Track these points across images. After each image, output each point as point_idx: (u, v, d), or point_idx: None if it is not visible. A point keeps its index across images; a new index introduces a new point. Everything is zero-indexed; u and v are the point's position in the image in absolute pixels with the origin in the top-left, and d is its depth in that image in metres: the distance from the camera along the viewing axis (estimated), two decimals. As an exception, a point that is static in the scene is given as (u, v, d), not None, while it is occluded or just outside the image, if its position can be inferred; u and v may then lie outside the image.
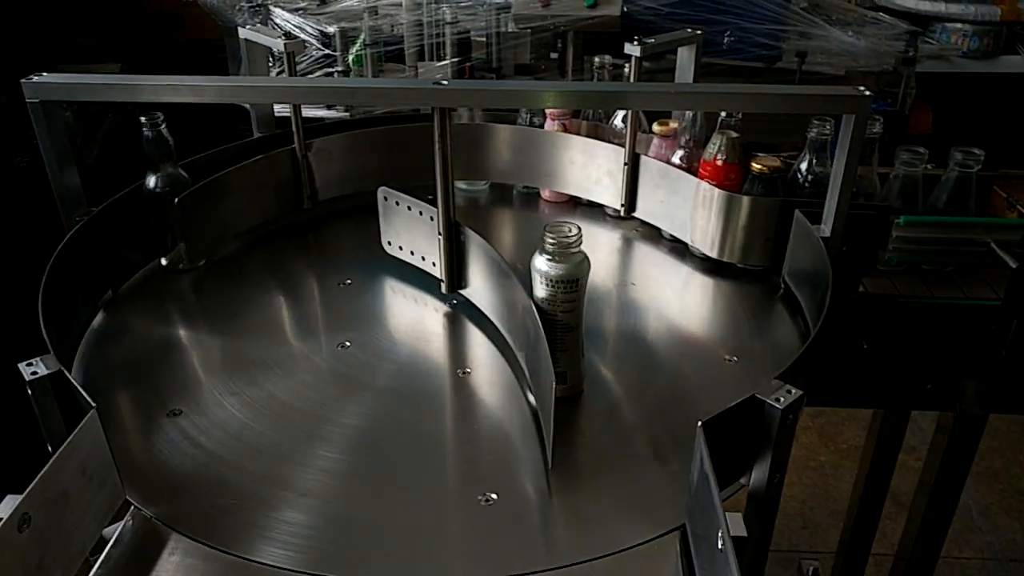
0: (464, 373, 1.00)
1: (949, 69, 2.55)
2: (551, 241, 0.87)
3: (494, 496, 0.81)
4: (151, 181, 1.15)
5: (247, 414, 0.91)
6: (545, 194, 1.45)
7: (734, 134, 1.19)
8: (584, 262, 0.89)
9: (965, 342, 1.18)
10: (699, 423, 0.69)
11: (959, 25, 2.58)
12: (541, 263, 0.88)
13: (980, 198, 1.25)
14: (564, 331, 0.90)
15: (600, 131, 1.37)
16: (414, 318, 1.12)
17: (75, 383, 0.74)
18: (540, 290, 0.89)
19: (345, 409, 0.93)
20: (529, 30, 2.28)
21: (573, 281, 0.88)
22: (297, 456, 0.86)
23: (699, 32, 1.27)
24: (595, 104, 1.30)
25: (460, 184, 1.47)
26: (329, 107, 2.17)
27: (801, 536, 2.20)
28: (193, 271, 1.20)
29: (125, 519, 0.76)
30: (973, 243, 1.16)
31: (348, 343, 1.04)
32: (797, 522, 2.24)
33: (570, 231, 0.88)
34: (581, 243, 0.88)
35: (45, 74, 1.00)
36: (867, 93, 0.96)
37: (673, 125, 1.28)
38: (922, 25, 2.50)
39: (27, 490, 0.63)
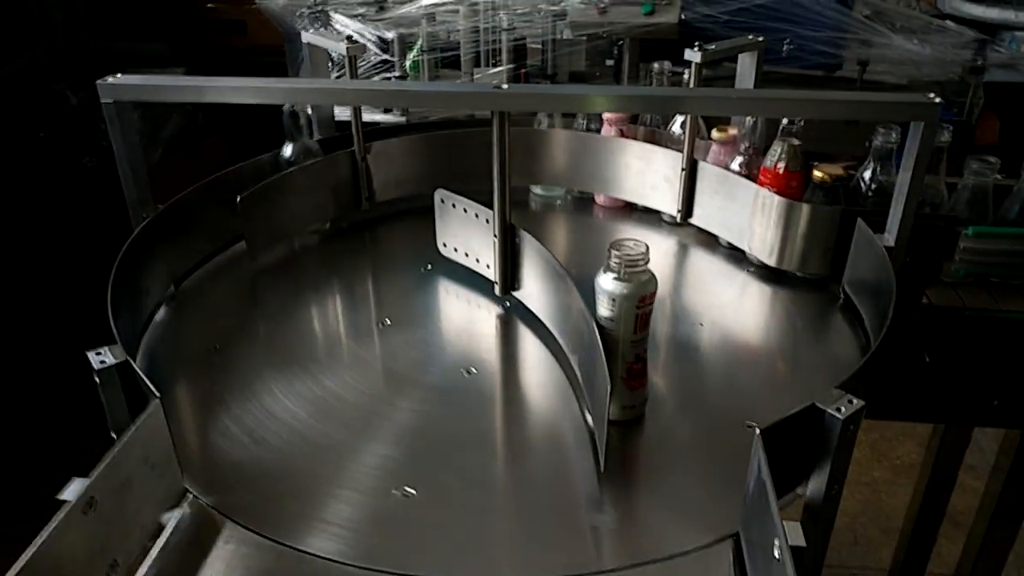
0: (517, 373, 1.00)
1: (1018, 79, 2.47)
2: (617, 258, 0.83)
3: (545, 498, 0.81)
4: (287, 150, 1.28)
5: (301, 407, 0.93)
6: (600, 199, 1.44)
7: (796, 141, 1.17)
8: (651, 281, 0.85)
9: (1035, 358, 1.14)
10: (757, 431, 0.68)
11: (1029, 33, 2.50)
12: (606, 281, 0.84)
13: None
14: (627, 352, 0.86)
15: (657, 137, 1.36)
16: (467, 319, 1.13)
17: (140, 373, 0.76)
18: (604, 309, 0.85)
19: (397, 406, 0.94)
20: (585, 37, 2.28)
21: (639, 300, 0.84)
22: (349, 450, 0.87)
23: (761, 39, 1.25)
24: (657, 108, 1.29)
25: (536, 189, 1.48)
26: (386, 111, 2.20)
27: (852, 552, 2.14)
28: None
29: (183, 507, 0.78)
30: (1044, 256, 1.13)
31: (402, 342, 1.05)
32: (848, 537, 2.18)
33: (637, 248, 0.84)
34: (648, 261, 0.84)
35: (120, 75, 1.03)
36: (937, 100, 0.94)
37: (732, 132, 1.27)
38: (990, 33, 2.43)
39: (94, 474, 0.65)
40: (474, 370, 1.01)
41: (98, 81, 1.03)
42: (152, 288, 1.10)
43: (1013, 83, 2.44)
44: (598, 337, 0.83)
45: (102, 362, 0.77)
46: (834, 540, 2.21)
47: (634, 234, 1.36)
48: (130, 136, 1.07)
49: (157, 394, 0.73)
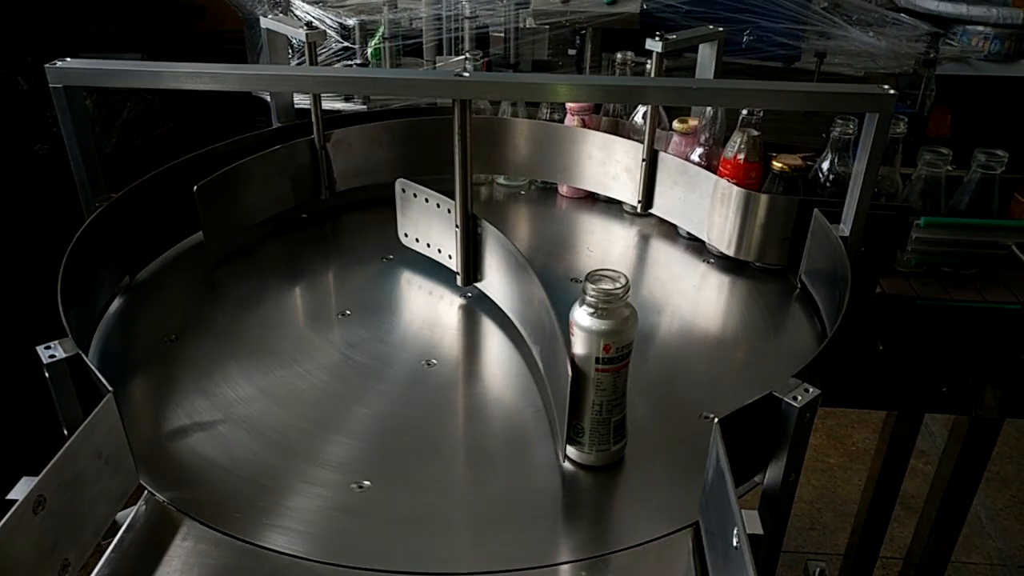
0: (478, 364, 1.00)
1: (969, 72, 2.53)
2: (594, 292, 0.77)
3: (505, 489, 0.81)
4: None
5: (261, 402, 0.92)
6: (563, 190, 1.44)
7: (755, 132, 1.19)
8: (632, 317, 0.79)
9: (983, 346, 1.17)
10: (715, 420, 0.68)
11: (980, 28, 2.55)
12: (581, 316, 0.78)
13: (1000, 202, 1.24)
14: (603, 394, 0.81)
15: (620, 128, 1.37)
16: (429, 310, 1.12)
17: (92, 367, 0.74)
18: (579, 346, 0.79)
19: (358, 399, 0.93)
20: (547, 26, 2.27)
21: (617, 337, 0.78)
22: (310, 445, 0.86)
23: (721, 29, 1.26)
24: (618, 98, 1.29)
25: (500, 179, 1.47)
26: (347, 99, 2.18)
27: (808, 537, 2.19)
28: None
29: (138, 504, 0.76)
30: (993, 246, 1.15)
31: (363, 334, 1.04)
32: (804, 523, 2.23)
33: (616, 280, 0.78)
34: (629, 294, 0.78)
35: (68, 59, 1.00)
36: (892, 92, 0.95)
37: (693, 123, 1.28)
38: (943, 27, 2.48)
39: (43, 472, 0.63)
40: (435, 362, 1.01)
41: (47, 65, 1.00)
42: (106, 279, 1.08)
43: (964, 76, 2.50)
44: (557, 327, 0.83)
45: (52, 356, 0.75)
46: (791, 526, 2.27)
47: (596, 224, 1.37)
48: (81, 122, 1.04)
49: (110, 388, 0.71)
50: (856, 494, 1.78)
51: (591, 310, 0.77)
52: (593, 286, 0.77)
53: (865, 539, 1.69)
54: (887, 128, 0.97)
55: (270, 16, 1.30)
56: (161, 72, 1.00)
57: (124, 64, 1.01)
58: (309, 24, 1.25)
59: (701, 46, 1.28)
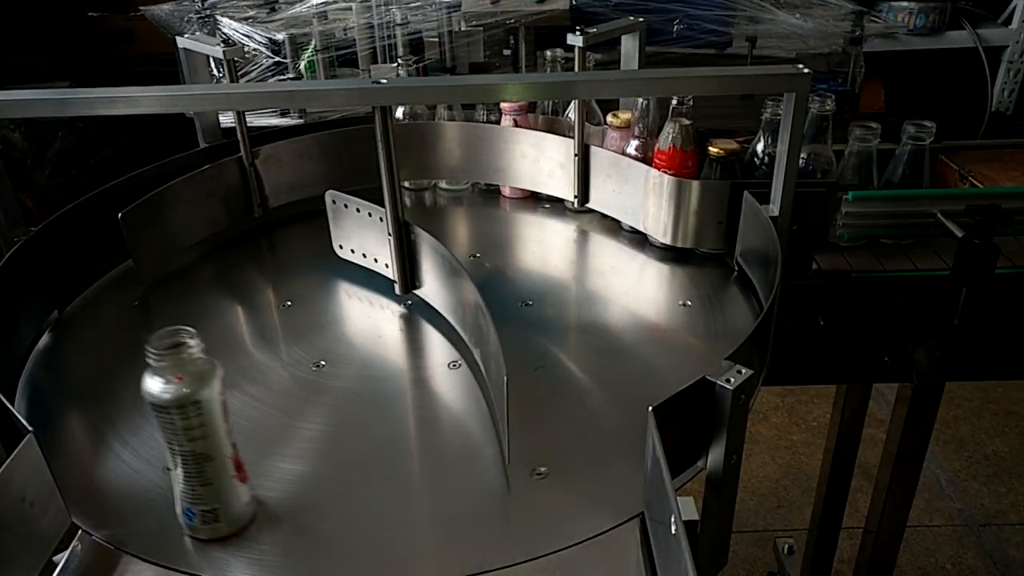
0: (422, 373, 0.99)
1: (898, 47, 2.58)
2: (155, 354, 0.67)
3: (453, 494, 0.80)
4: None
5: (199, 428, 0.89)
6: (505, 191, 1.44)
7: (687, 121, 1.19)
8: (209, 374, 0.69)
9: (918, 313, 1.19)
10: (649, 408, 0.68)
11: (904, 3, 2.61)
12: (151, 384, 0.68)
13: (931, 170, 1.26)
14: (201, 461, 0.72)
15: (556, 125, 1.37)
16: (370, 321, 1.11)
17: (10, 407, 0.72)
18: (156, 418, 0.69)
19: (304, 417, 0.92)
20: (480, 28, 2.27)
21: (194, 403, 0.69)
22: (253, 468, 0.84)
23: (641, 20, 1.27)
24: (537, 95, 1.29)
25: (442, 183, 1.46)
26: (282, 115, 2.15)
27: (776, 515, 2.21)
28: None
29: (73, 543, 0.74)
30: (922, 215, 1.17)
31: (304, 350, 1.03)
32: (772, 501, 2.25)
33: (182, 338, 0.69)
34: (199, 349, 0.69)
35: (-28, 92, 0.97)
36: (806, 71, 0.96)
37: (627, 116, 1.28)
38: (868, 4, 2.52)
39: (-38, 521, 0.61)
40: (378, 372, 0.99)
41: (-50, 100, 0.96)
42: (31, 315, 1.04)
43: (893, 51, 2.55)
44: (493, 327, 0.83)
45: (-32, 399, 0.72)
46: (758, 504, 2.29)
47: (538, 223, 1.36)
48: (-9, 157, 1.01)
49: (29, 428, 0.69)
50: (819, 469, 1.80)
51: (160, 377, 0.68)
52: (153, 347, 0.67)
53: (827, 512, 1.71)
54: (805, 107, 0.98)
55: (187, 36, 1.27)
56: (70, 100, 0.97)
57: (29, 93, 0.98)
58: (225, 41, 1.22)
59: (624, 37, 1.28)
